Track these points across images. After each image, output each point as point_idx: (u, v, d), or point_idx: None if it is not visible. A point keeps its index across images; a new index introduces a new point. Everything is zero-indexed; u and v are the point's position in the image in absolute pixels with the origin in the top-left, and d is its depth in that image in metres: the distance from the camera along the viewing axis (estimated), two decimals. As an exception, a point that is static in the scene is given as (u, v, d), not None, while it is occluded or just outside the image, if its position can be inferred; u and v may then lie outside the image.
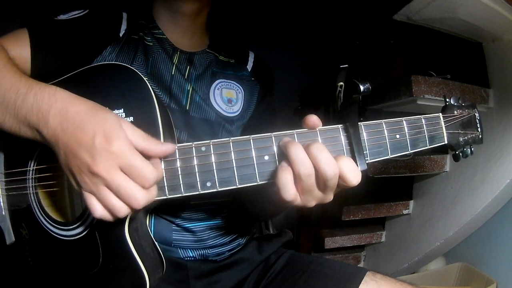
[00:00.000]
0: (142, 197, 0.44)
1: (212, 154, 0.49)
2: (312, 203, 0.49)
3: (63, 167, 0.47)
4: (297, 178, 0.46)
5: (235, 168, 0.50)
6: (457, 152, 0.63)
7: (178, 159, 0.49)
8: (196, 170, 0.49)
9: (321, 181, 0.46)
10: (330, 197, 0.49)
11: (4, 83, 0.52)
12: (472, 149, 0.63)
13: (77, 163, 0.44)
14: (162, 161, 0.49)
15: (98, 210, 0.45)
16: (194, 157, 0.49)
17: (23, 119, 0.49)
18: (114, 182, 0.43)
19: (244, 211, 0.82)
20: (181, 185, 0.49)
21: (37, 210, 0.60)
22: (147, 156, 0.47)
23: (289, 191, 0.46)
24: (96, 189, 0.44)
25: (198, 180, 0.49)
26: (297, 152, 0.45)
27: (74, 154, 0.44)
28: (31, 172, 0.60)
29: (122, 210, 0.44)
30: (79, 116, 0.45)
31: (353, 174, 0.46)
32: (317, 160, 0.45)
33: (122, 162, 0.43)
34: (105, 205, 0.45)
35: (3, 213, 0.63)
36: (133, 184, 0.44)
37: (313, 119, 0.50)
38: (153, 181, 0.45)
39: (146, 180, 0.44)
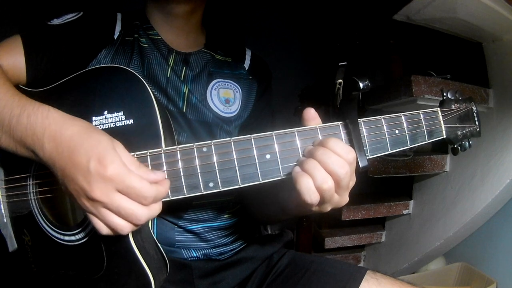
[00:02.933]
0: (143, 214, 0.45)
1: (214, 154, 0.50)
2: (327, 208, 0.51)
3: (63, 189, 0.47)
4: (318, 190, 0.47)
5: (237, 167, 0.50)
6: (455, 146, 0.63)
7: (180, 160, 0.49)
8: (198, 171, 0.49)
9: (336, 184, 0.48)
10: (345, 199, 0.51)
11: None
12: (470, 142, 0.64)
13: (75, 187, 0.45)
14: (165, 163, 0.49)
15: (103, 229, 0.46)
16: (196, 158, 0.49)
17: (19, 140, 0.49)
18: (113, 204, 0.44)
19: (249, 214, 0.82)
20: (184, 186, 0.49)
21: (38, 216, 0.59)
22: None
23: (313, 193, 0.47)
24: (97, 211, 0.45)
25: (200, 180, 0.49)
26: (316, 168, 0.47)
27: (72, 179, 0.45)
28: (31, 178, 0.60)
29: (125, 228, 0.45)
30: (73, 140, 0.45)
31: (342, 150, 0.47)
32: (327, 165, 0.47)
33: (119, 185, 0.44)
34: (108, 225, 0.45)
35: (5, 220, 0.62)
36: (131, 203, 0.44)
37: (310, 112, 0.52)
38: (152, 198, 0.45)
39: (145, 198, 0.44)
